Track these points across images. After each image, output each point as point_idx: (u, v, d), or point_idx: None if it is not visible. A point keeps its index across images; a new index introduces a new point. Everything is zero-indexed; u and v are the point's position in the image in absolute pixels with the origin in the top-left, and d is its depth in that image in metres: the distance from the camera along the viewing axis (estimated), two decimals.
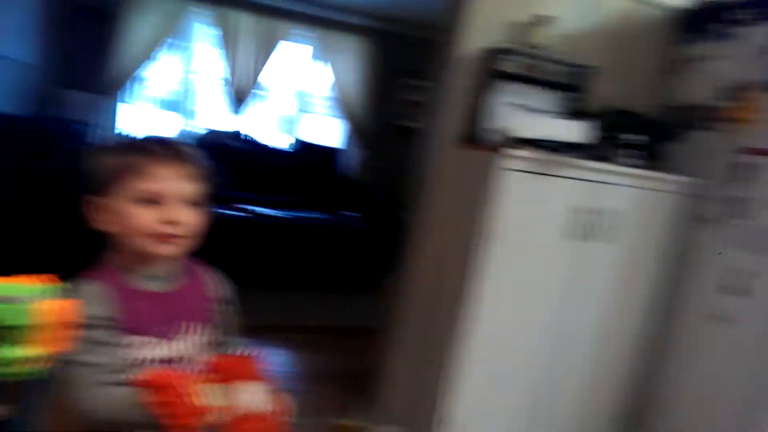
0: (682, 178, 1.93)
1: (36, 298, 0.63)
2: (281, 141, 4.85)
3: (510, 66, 1.80)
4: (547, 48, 1.87)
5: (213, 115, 4.69)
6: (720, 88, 1.93)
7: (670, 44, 2.16)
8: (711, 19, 2.00)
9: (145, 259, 0.90)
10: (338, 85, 4.85)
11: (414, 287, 2.04)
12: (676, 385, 2.00)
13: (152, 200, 0.87)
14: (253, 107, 4.72)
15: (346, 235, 4.05)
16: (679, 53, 2.12)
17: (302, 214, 4.08)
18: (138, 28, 4.17)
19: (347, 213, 4.31)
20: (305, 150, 4.74)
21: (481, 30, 1.86)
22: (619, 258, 1.91)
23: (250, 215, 3.84)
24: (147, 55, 4.25)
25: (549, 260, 1.80)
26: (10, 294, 0.62)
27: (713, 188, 1.91)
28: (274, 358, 2.74)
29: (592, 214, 1.81)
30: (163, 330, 0.91)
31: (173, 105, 4.65)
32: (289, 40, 4.69)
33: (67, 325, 0.66)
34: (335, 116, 5.03)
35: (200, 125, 4.60)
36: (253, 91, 4.63)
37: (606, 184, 1.81)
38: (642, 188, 1.88)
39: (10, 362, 0.62)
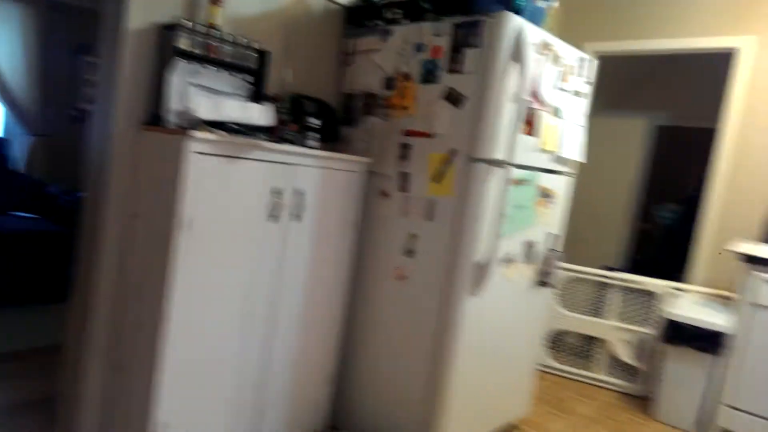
0: (361, 158, 2.17)
1: None
2: None
3: (188, 44, 1.72)
4: (223, 29, 1.85)
5: None
6: (383, 78, 2.23)
7: (341, 36, 2.39)
8: (372, 15, 2.28)
9: None
10: None
11: (101, 290, 1.82)
12: (370, 338, 2.29)
13: None
14: None
15: (21, 240, 3.37)
16: (349, 45, 2.37)
17: None
18: None
19: (20, 214, 3.59)
20: None
21: (153, 3, 1.73)
22: (314, 234, 2.04)
23: None
24: None
25: (248, 244, 1.81)
26: None
27: (387, 166, 2.21)
28: None
29: (285, 195, 1.88)
30: None
31: None
32: None
33: None
34: None
35: None
36: None
37: (295, 166, 1.90)
38: (328, 168, 2.04)
39: None
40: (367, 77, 2.29)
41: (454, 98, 2.02)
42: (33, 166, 4.16)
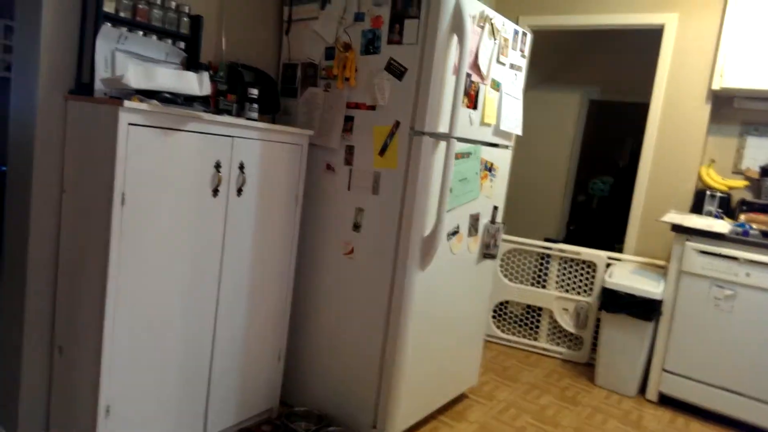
0: (306, 131, 2.17)
1: None
2: None
3: (114, 7, 1.66)
4: None
5: None
6: (324, 48, 2.23)
7: (280, 2, 2.37)
8: None
9: None
10: None
11: (34, 270, 1.75)
12: (321, 314, 2.32)
13: None
14: None
15: None
16: (288, 12, 2.35)
17: None
18: None
19: None
20: None
21: None
22: (258, 209, 2.04)
23: None
24: None
25: (189, 219, 1.79)
26: None
27: (331, 139, 2.23)
28: None
29: (225, 168, 1.87)
30: None
31: None
32: None
33: None
34: None
35: None
36: None
37: (234, 138, 1.89)
38: (270, 141, 2.03)
39: None
40: (307, 46, 2.29)
41: (395, 70, 2.06)
42: None
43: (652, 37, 3.71)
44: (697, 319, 2.85)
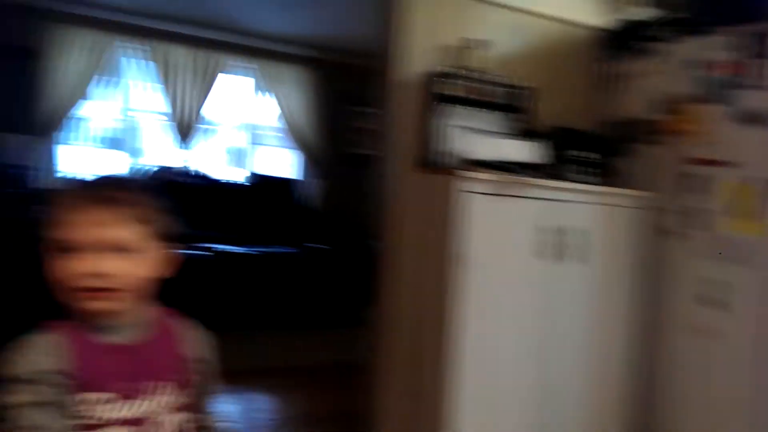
0: (639, 192, 2.06)
1: None
2: (234, 175, 4.90)
3: (451, 89, 1.93)
4: (484, 71, 2.01)
5: (159, 151, 4.72)
6: (653, 102, 2.11)
7: (599, 62, 2.35)
8: (633, 37, 2.21)
9: (90, 311, 0.84)
10: (285, 115, 5.03)
11: (395, 317, 2.06)
12: (673, 398, 2.05)
13: (68, 249, 0.81)
14: (200, 142, 4.80)
15: (315, 268, 4.12)
16: (609, 70, 2.31)
17: (267, 249, 4.12)
18: (65, 65, 4.18)
19: (313, 245, 4.36)
20: (262, 183, 4.79)
21: (417, 55, 1.99)
22: (592, 275, 2.00)
23: (211, 254, 3.84)
24: (79, 93, 4.25)
25: (524, 281, 1.88)
26: None
27: (667, 200, 2.06)
28: (257, 405, 2.76)
29: (558, 233, 1.90)
30: (124, 387, 0.85)
31: (116, 143, 4.64)
32: (229, 73, 4.82)
33: None
34: (287, 147, 5.18)
35: (148, 162, 4.61)
36: (198, 125, 4.72)
37: (567, 203, 1.92)
38: (602, 204, 1.99)
39: None
40: (632, 102, 2.20)
41: (752, 118, 1.83)
42: (321, 204, 5.07)
43: None
44: None
